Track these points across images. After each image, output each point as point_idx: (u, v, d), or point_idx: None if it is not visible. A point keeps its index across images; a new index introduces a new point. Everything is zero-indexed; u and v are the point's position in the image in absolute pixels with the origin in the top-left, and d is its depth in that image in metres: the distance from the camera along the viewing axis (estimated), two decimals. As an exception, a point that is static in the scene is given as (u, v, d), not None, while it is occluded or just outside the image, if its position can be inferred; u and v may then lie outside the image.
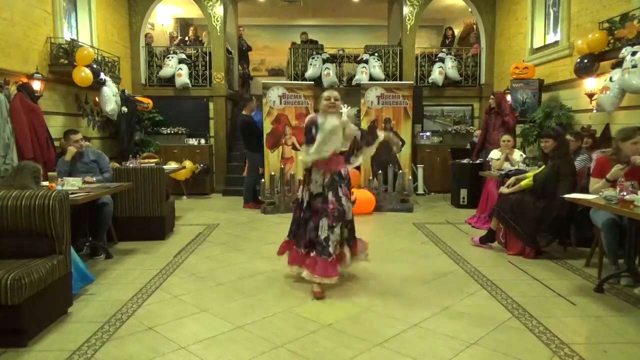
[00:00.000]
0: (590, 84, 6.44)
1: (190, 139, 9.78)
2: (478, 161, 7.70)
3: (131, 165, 6.50)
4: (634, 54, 5.14)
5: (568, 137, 5.44)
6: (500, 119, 7.30)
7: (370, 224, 6.96)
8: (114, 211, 5.28)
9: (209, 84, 10.12)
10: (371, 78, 9.72)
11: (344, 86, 10.41)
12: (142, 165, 6.34)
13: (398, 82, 9.53)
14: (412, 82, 9.29)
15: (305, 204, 4.04)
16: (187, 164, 8.96)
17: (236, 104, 11.15)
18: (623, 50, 5.35)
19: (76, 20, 8.11)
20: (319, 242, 3.85)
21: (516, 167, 5.98)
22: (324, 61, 10.14)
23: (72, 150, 5.24)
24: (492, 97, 7.61)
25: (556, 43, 7.80)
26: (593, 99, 6.31)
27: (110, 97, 7.72)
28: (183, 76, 9.82)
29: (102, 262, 4.85)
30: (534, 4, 8.47)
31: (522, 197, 4.97)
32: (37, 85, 6.30)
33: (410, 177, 8.15)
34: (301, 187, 4.17)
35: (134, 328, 3.25)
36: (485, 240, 5.36)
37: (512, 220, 4.94)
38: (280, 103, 7.88)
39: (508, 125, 7.19)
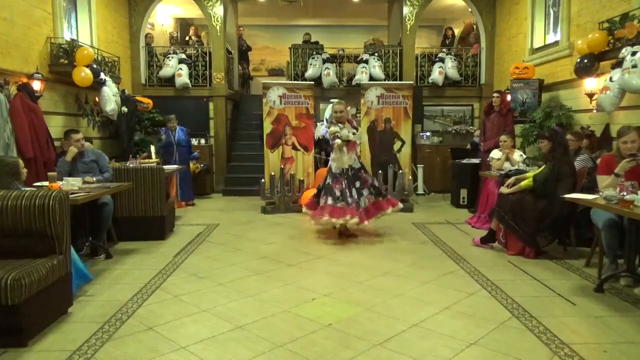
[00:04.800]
0: (590, 84, 6.44)
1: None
2: (477, 160, 7.70)
3: (131, 165, 6.49)
4: (634, 54, 5.13)
5: (568, 136, 5.44)
6: (502, 119, 7.26)
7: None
8: (114, 211, 5.28)
9: (209, 84, 10.12)
10: (371, 78, 9.72)
11: (344, 86, 10.42)
12: (142, 165, 6.34)
13: (398, 82, 9.53)
14: (412, 82, 9.30)
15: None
16: (187, 164, 8.94)
17: (236, 104, 11.15)
18: (623, 50, 5.35)
19: (76, 20, 8.11)
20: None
21: (516, 167, 5.98)
22: (324, 61, 10.15)
23: (73, 150, 5.23)
24: (496, 94, 7.39)
25: (556, 43, 7.80)
26: (593, 99, 6.31)
27: (110, 97, 7.72)
28: (183, 76, 9.82)
29: (102, 262, 4.85)
30: (534, 4, 8.47)
31: (522, 197, 4.96)
32: (37, 85, 6.30)
33: (410, 177, 8.14)
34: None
35: (134, 328, 3.25)
36: (486, 241, 5.36)
37: (512, 220, 4.94)
38: (280, 103, 7.88)
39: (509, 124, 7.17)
